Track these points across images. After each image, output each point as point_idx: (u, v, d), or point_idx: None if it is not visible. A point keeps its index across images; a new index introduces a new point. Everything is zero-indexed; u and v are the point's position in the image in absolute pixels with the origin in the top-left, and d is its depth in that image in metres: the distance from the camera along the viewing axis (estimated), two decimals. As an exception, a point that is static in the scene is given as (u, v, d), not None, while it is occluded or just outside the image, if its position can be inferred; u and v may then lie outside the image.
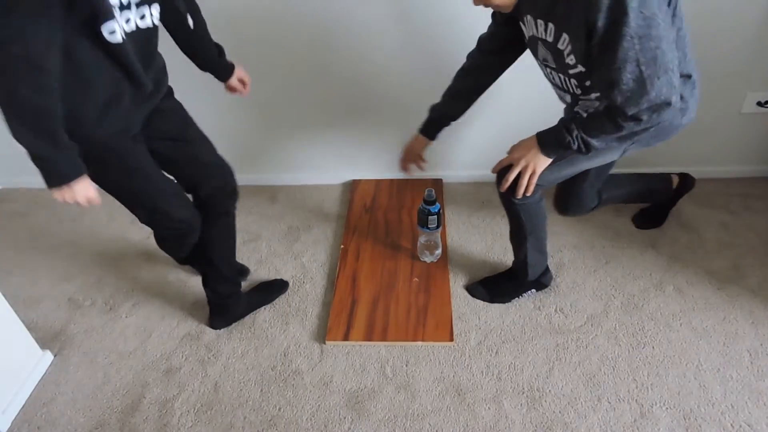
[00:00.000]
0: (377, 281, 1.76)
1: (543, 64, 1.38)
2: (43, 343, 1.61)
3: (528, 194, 1.41)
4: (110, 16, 1.09)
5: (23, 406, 1.47)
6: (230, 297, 1.64)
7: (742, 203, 2.03)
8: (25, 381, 1.50)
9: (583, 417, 1.37)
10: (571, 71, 1.28)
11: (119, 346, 1.63)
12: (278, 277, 1.80)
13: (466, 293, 1.72)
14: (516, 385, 1.45)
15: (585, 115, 1.29)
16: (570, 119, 1.29)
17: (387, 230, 1.98)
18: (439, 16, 1.80)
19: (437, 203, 1.74)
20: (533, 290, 1.69)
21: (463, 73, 1.60)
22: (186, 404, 1.45)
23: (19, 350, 1.51)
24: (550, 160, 1.35)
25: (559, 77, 1.36)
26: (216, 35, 1.85)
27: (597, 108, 1.28)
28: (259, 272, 1.85)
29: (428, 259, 1.83)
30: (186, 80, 1.96)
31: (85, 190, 1.21)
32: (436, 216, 1.74)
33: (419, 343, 1.56)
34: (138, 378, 1.53)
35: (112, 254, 1.95)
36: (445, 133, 2.12)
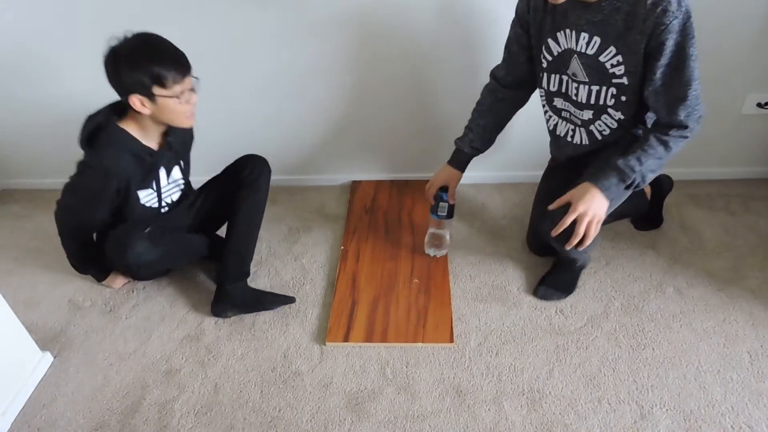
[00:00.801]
0: (377, 282, 1.76)
1: (571, 78, 1.41)
2: (43, 344, 1.61)
3: (589, 242, 1.35)
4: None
5: (23, 408, 1.47)
6: (236, 279, 1.68)
7: (743, 204, 2.03)
8: (24, 382, 1.50)
9: (583, 418, 1.37)
10: (615, 81, 1.34)
11: (119, 347, 1.62)
12: (283, 290, 1.79)
13: (466, 294, 1.72)
14: (516, 387, 1.45)
15: (632, 150, 1.33)
16: (621, 157, 1.32)
17: (387, 231, 1.98)
18: (439, 19, 1.80)
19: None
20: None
21: (486, 110, 1.64)
22: (186, 405, 1.45)
23: (18, 351, 1.50)
24: (608, 204, 1.33)
25: (589, 90, 1.38)
26: (216, 37, 1.86)
27: (634, 138, 1.35)
28: (259, 273, 1.85)
29: (432, 252, 1.83)
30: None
31: (112, 282, 1.82)
32: (447, 204, 1.74)
33: (419, 344, 1.56)
34: (138, 379, 1.53)
35: (112, 255, 1.95)
36: (446, 134, 2.13)
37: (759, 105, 1.94)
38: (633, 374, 1.46)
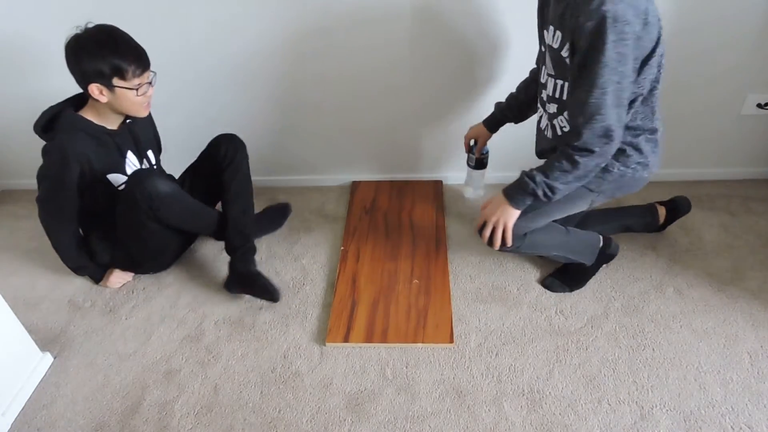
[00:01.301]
0: (377, 283, 1.76)
1: (547, 71, 1.43)
2: (43, 344, 1.61)
3: (508, 245, 1.49)
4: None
5: (23, 408, 1.47)
6: (244, 254, 1.73)
7: (743, 205, 2.03)
8: (24, 383, 1.50)
9: (583, 419, 1.37)
10: (553, 83, 1.39)
11: (119, 347, 1.62)
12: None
13: (466, 294, 1.72)
14: (516, 387, 1.45)
15: (546, 162, 1.38)
16: (530, 169, 1.40)
17: (387, 232, 1.98)
18: (439, 19, 1.80)
19: (484, 149, 1.86)
20: (604, 264, 1.73)
21: (523, 87, 1.68)
22: (186, 406, 1.45)
23: (18, 352, 1.50)
24: (519, 212, 1.45)
25: (554, 84, 1.40)
26: (218, 40, 1.86)
27: (562, 152, 1.35)
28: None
29: (466, 193, 2.07)
30: (186, 81, 1.97)
31: (111, 282, 1.82)
32: (473, 156, 1.86)
33: (419, 344, 1.56)
34: (138, 380, 1.53)
35: (112, 256, 1.95)
36: (446, 135, 2.13)
37: (759, 105, 1.94)
38: (633, 375, 1.46)
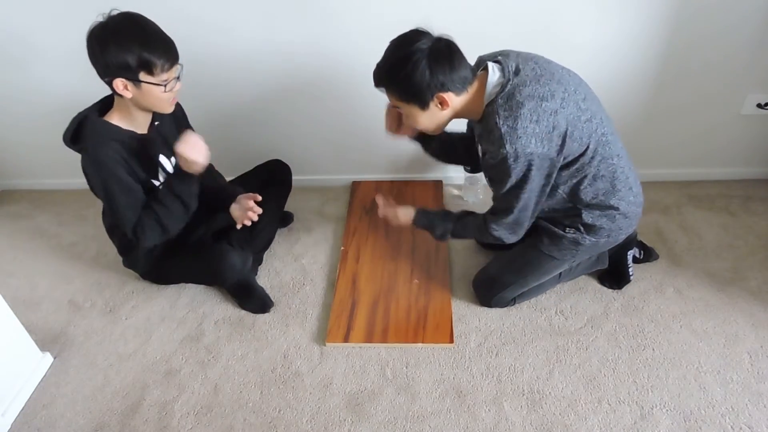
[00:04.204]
0: (377, 283, 1.76)
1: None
2: (43, 345, 1.61)
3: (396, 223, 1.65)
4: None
5: (23, 408, 1.47)
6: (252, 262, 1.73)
7: (742, 205, 2.03)
8: (25, 383, 1.50)
9: (583, 419, 1.37)
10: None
11: (119, 348, 1.62)
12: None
13: (466, 295, 1.72)
14: (516, 387, 1.45)
15: (465, 221, 1.52)
16: (451, 222, 1.54)
17: (387, 232, 1.98)
18: (438, 21, 1.80)
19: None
20: (630, 251, 1.70)
21: (459, 138, 1.66)
22: (186, 406, 1.45)
23: (19, 352, 1.50)
24: (406, 220, 1.62)
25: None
26: (218, 41, 1.86)
27: (474, 220, 1.50)
28: (260, 273, 1.85)
29: (465, 196, 2.13)
30: (189, 83, 1.97)
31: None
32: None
33: (419, 344, 1.56)
34: (138, 380, 1.53)
35: (112, 256, 1.94)
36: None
37: (759, 105, 1.94)
38: (633, 375, 1.46)
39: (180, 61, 1.40)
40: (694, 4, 1.73)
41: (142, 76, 1.34)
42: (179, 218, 1.53)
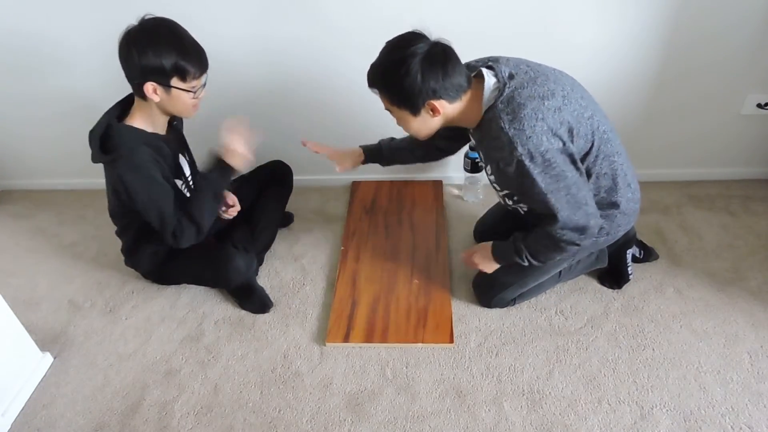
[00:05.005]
0: (377, 283, 1.76)
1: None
2: (43, 345, 1.61)
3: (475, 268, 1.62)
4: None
5: (23, 408, 1.47)
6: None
7: (742, 205, 2.03)
8: (25, 383, 1.50)
9: (583, 419, 1.37)
10: (500, 192, 1.45)
11: (119, 348, 1.62)
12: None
13: (466, 295, 1.72)
14: (516, 387, 1.45)
15: (533, 236, 1.43)
16: (521, 242, 1.45)
17: (387, 232, 1.98)
18: (438, 22, 1.80)
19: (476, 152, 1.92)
20: (629, 250, 1.69)
21: (414, 141, 1.65)
22: (186, 406, 1.45)
23: (18, 352, 1.50)
24: (497, 265, 1.56)
25: (495, 188, 1.48)
26: (217, 40, 1.86)
27: (539, 232, 1.41)
28: (260, 273, 1.85)
29: (465, 196, 2.14)
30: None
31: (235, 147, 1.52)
32: (470, 160, 2.00)
33: (419, 344, 1.56)
34: (138, 380, 1.53)
35: (112, 256, 1.95)
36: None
37: (759, 105, 1.94)
38: (633, 375, 1.46)
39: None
40: (694, 4, 1.73)
41: (174, 81, 1.38)
42: (213, 215, 1.54)
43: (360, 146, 1.76)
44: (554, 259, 1.46)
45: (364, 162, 1.75)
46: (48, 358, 1.58)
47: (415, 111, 1.28)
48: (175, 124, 1.59)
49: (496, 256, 1.54)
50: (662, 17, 1.75)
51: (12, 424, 1.43)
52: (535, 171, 1.23)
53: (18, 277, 1.90)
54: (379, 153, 1.73)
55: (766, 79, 1.89)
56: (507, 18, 1.77)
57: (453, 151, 1.72)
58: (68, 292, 1.83)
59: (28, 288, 1.85)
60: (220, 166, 1.50)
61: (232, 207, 1.67)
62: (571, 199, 1.29)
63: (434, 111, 1.27)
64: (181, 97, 1.41)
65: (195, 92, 1.42)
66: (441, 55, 1.23)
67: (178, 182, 1.55)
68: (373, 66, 1.30)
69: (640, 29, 1.78)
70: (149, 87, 1.37)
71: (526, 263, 1.47)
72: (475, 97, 1.30)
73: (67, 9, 1.80)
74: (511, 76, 1.28)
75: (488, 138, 1.29)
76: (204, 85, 1.45)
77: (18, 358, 1.50)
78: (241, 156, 1.49)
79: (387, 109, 1.35)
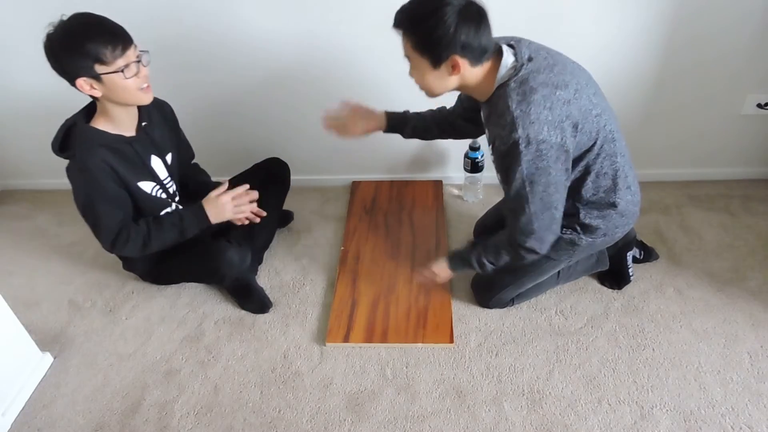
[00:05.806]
0: (377, 283, 1.76)
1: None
2: (43, 345, 1.61)
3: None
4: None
5: (23, 408, 1.47)
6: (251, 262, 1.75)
7: (742, 205, 2.03)
8: (24, 383, 1.50)
9: (583, 419, 1.37)
10: (498, 176, 1.43)
11: (119, 348, 1.62)
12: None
13: (466, 295, 1.72)
14: (516, 387, 1.45)
15: (491, 245, 1.45)
16: (475, 248, 1.47)
17: (387, 232, 1.98)
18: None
19: (477, 150, 2.01)
20: (629, 252, 1.70)
21: (439, 115, 1.66)
22: (186, 406, 1.45)
23: (18, 352, 1.51)
24: (450, 271, 1.56)
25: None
26: (219, 41, 1.86)
27: (501, 239, 1.42)
28: (260, 273, 1.85)
29: (465, 196, 2.14)
30: (185, 82, 1.97)
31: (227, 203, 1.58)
32: (470, 160, 2.01)
33: (419, 344, 1.56)
34: (138, 380, 1.53)
35: (112, 256, 1.93)
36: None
37: (759, 105, 1.94)
38: (633, 375, 1.46)
39: (143, 48, 1.38)
40: (694, 3, 1.73)
41: (98, 68, 1.32)
42: (166, 244, 1.56)
43: (385, 111, 1.71)
44: (504, 260, 1.44)
45: (385, 130, 1.70)
46: (48, 358, 1.58)
47: (436, 62, 1.25)
48: (144, 125, 1.53)
49: (451, 264, 1.55)
50: (662, 17, 1.75)
51: (12, 424, 1.43)
52: (525, 157, 1.23)
53: (18, 277, 1.90)
54: (404, 121, 1.68)
55: (766, 79, 1.89)
56: (507, 18, 1.76)
57: (470, 133, 1.69)
58: (68, 292, 1.83)
59: (28, 288, 1.85)
60: (200, 212, 1.54)
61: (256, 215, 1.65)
62: (545, 197, 1.29)
63: (454, 68, 1.24)
64: (116, 81, 1.35)
65: (125, 72, 1.34)
66: (476, 14, 1.21)
67: (147, 185, 1.53)
68: (403, 7, 1.25)
69: (640, 29, 1.78)
70: (82, 83, 1.34)
71: (480, 268, 1.48)
72: (491, 70, 1.28)
73: (67, 9, 1.79)
74: (530, 59, 1.27)
75: (495, 114, 1.28)
76: (139, 62, 1.38)
77: (18, 358, 1.50)
78: (225, 218, 1.56)
79: (406, 55, 1.30)
